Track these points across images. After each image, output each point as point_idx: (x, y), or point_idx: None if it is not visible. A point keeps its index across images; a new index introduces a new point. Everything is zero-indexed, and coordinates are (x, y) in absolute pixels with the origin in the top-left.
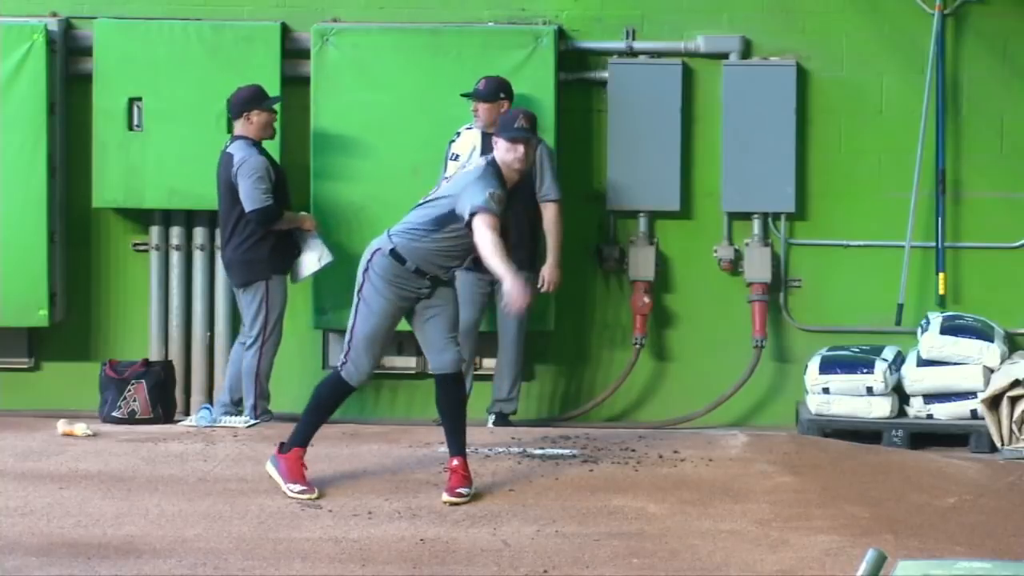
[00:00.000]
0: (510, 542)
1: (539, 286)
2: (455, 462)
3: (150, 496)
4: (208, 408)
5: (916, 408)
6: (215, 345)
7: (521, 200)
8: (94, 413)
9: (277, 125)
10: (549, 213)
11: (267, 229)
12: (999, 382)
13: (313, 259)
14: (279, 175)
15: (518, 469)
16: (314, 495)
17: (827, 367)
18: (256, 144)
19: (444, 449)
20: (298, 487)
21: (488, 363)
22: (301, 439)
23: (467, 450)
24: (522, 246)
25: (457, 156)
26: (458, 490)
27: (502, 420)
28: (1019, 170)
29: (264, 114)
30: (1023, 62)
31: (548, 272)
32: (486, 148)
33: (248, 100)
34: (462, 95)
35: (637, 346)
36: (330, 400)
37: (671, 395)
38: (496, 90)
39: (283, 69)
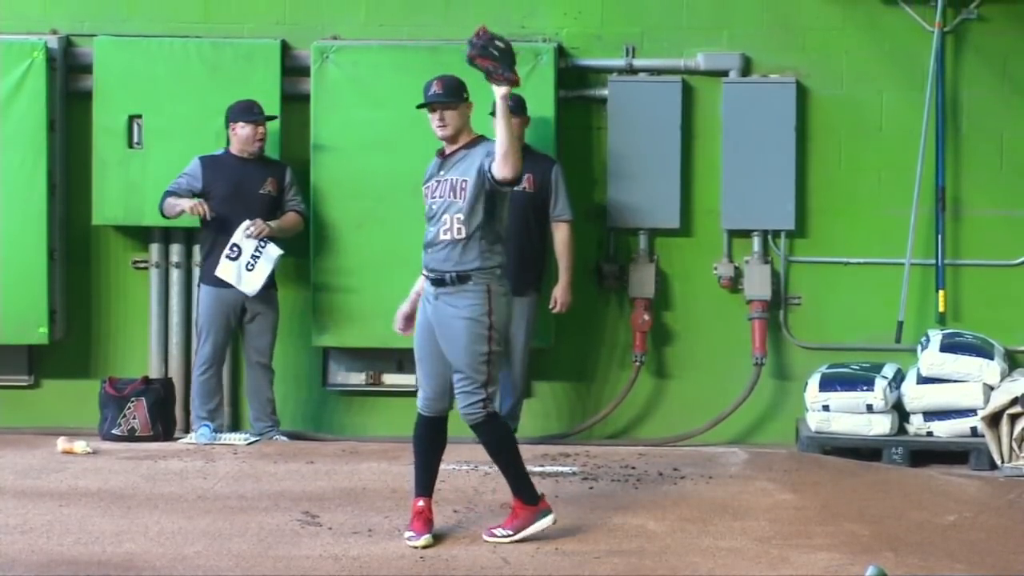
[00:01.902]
0: (510, 560)
1: (551, 307)
2: (513, 501)
3: (150, 514)
4: (208, 425)
5: (916, 425)
6: None
7: (533, 219)
8: (94, 431)
9: (276, 142)
10: (561, 233)
11: (163, 213)
12: (999, 400)
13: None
14: (229, 180)
15: None
16: (418, 542)
17: (827, 384)
18: (234, 156)
19: (443, 466)
20: (407, 533)
21: None
22: (416, 486)
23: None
24: (532, 265)
25: None
26: (494, 530)
27: None
28: (1019, 188)
29: (248, 127)
30: (1023, 79)
31: (560, 293)
32: None
33: (236, 112)
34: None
35: (637, 363)
36: (416, 435)
37: (671, 412)
38: (516, 107)
39: (283, 87)
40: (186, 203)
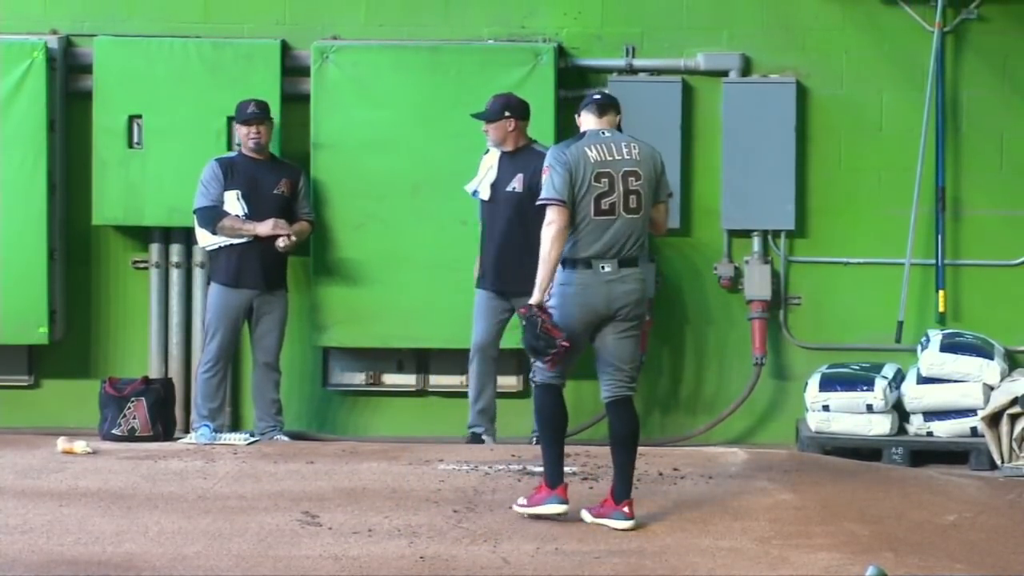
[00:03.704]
0: (510, 559)
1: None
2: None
3: (150, 514)
4: (207, 425)
5: (916, 426)
6: None
7: (526, 218)
8: (94, 431)
9: (276, 141)
10: None
11: (213, 230)
12: (999, 400)
13: None
14: (254, 184)
15: (518, 487)
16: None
17: (827, 384)
18: (246, 157)
19: (443, 466)
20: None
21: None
22: None
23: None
24: (527, 264)
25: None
26: (520, 499)
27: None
28: (1019, 187)
29: (241, 128)
30: (1023, 79)
31: None
32: (502, 167)
33: (236, 112)
34: (473, 115)
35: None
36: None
37: (671, 413)
38: (500, 109)
39: (283, 87)
40: (262, 227)
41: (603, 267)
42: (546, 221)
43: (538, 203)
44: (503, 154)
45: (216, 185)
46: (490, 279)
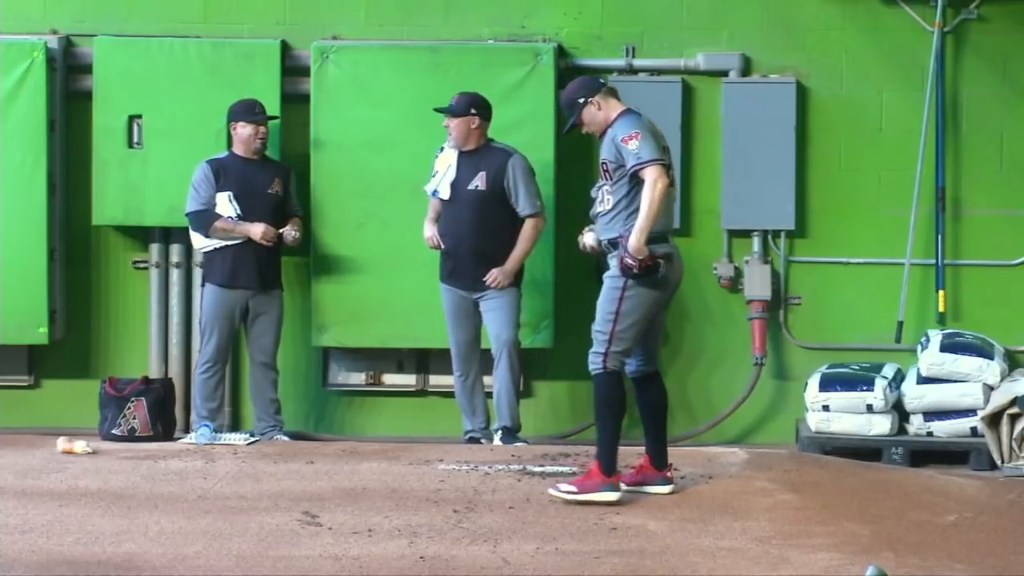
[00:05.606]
0: (510, 559)
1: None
2: (592, 463)
3: (150, 514)
4: (208, 425)
5: (916, 426)
6: None
7: (492, 217)
8: (94, 431)
9: (276, 141)
10: (525, 229)
11: (206, 233)
12: (999, 400)
13: None
14: (248, 184)
15: (518, 487)
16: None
17: (827, 384)
18: (239, 157)
19: (443, 466)
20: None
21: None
22: None
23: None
24: (494, 263)
25: (437, 172)
26: (560, 485)
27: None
28: (1019, 187)
29: (248, 127)
30: (1023, 79)
31: (496, 271)
32: (461, 166)
33: (237, 111)
34: (435, 110)
35: None
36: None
37: (671, 412)
38: (467, 106)
39: (283, 87)
40: (255, 229)
41: (671, 240)
42: (651, 178)
43: (634, 166)
44: (462, 153)
45: (207, 187)
46: (456, 278)
